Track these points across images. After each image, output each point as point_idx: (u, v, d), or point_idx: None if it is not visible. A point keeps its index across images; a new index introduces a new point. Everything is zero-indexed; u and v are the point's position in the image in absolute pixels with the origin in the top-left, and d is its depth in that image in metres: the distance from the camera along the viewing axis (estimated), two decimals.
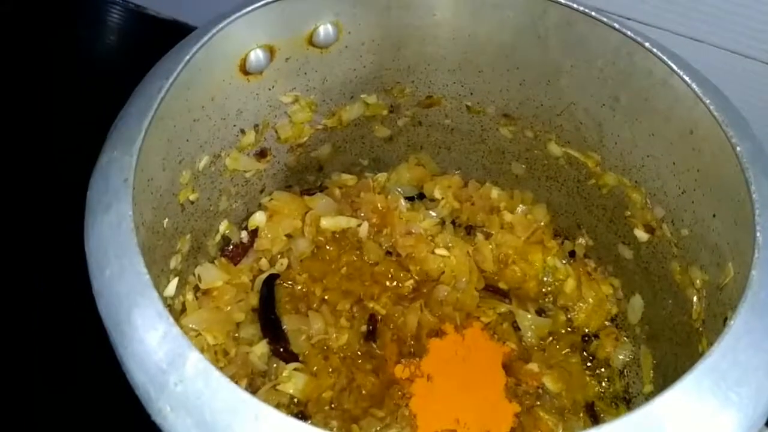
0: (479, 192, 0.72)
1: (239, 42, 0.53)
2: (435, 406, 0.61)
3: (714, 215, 0.49)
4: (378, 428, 0.60)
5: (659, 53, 0.48)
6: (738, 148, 0.42)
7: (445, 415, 0.61)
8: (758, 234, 0.37)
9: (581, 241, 0.69)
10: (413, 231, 0.70)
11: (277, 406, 0.59)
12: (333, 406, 0.61)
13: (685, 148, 0.51)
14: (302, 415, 0.60)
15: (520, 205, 0.71)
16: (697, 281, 0.51)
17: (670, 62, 0.47)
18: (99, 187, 0.40)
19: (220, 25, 0.49)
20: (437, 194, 0.73)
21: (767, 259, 0.36)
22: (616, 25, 0.50)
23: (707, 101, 0.44)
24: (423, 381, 0.63)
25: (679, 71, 0.46)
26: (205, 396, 0.31)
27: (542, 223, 0.71)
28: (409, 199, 0.73)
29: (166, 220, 0.55)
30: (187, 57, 0.46)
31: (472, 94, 0.65)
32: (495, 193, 0.73)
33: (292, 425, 0.31)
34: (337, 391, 0.62)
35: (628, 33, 0.49)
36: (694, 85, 0.45)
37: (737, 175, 0.42)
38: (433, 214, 0.72)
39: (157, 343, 0.33)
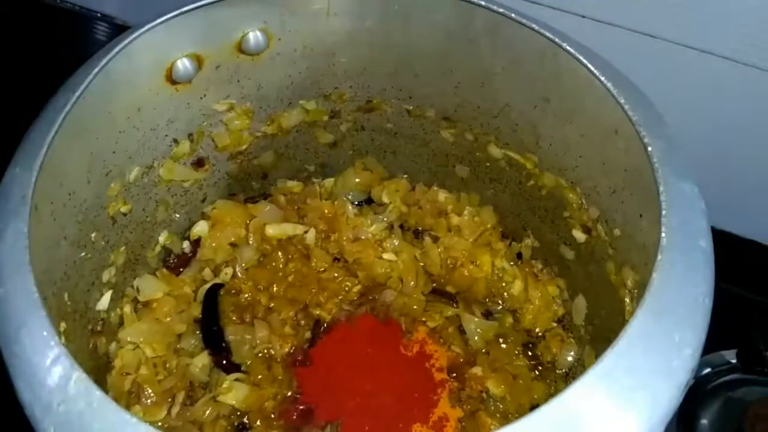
0: (426, 195, 0.72)
1: (161, 51, 0.53)
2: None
3: (641, 215, 0.48)
4: None
5: (578, 55, 0.47)
6: (650, 148, 0.41)
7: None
8: (663, 234, 0.37)
9: (527, 242, 0.69)
10: (361, 236, 0.70)
11: (217, 417, 0.59)
12: (274, 415, 0.60)
13: (612, 148, 0.50)
14: (243, 426, 0.60)
15: (467, 208, 0.71)
16: (629, 281, 0.51)
17: (588, 63, 0.47)
18: (4, 204, 0.39)
19: (135, 35, 0.49)
20: (385, 199, 0.72)
21: (670, 262, 0.36)
22: (537, 27, 0.49)
23: (622, 100, 0.44)
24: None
25: (596, 71, 0.46)
26: (87, 416, 0.31)
27: (489, 225, 0.70)
28: (357, 204, 0.73)
29: (95, 233, 0.54)
30: (96, 69, 0.45)
31: (410, 98, 0.64)
32: (442, 196, 0.72)
33: None
34: (279, 401, 0.61)
35: (549, 35, 0.49)
36: (610, 85, 0.45)
37: (652, 175, 0.42)
38: (381, 218, 0.71)
39: (43, 363, 0.33)
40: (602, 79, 0.46)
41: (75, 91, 0.44)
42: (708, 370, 0.70)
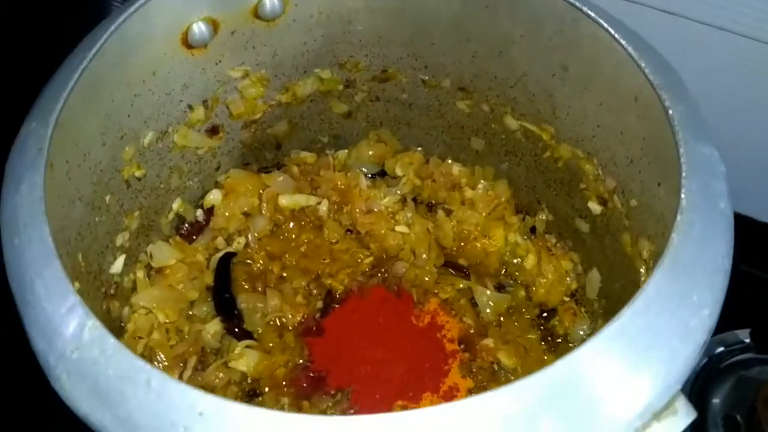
0: (440, 169, 0.72)
1: (178, 14, 0.52)
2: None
3: (659, 184, 0.48)
4: (330, 404, 0.60)
5: (599, 19, 0.47)
6: (670, 111, 0.41)
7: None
8: (683, 197, 0.37)
9: (541, 216, 0.68)
10: (374, 209, 0.70)
11: (228, 383, 0.59)
12: (285, 383, 0.60)
13: (631, 117, 0.50)
14: (254, 393, 0.60)
15: (482, 181, 0.70)
16: (645, 252, 0.51)
17: (609, 27, 0.46)
18: (16, 159, 0.39)
19: None
20: (399, 171, 0.72)
21: (689, 223, 0.36)
22: None
23: (643, 64, 0.43)
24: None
25: (617, 35, 0.45)
26: (100, 363, 0.31)
27: (503, 199, 0.70)
28: (371, 176, 0.72)
29: (109, 196, 0.54)
30: (111, 28, 0.45)
31: (426, 67, 0.64)
32: (456, 169, 0.72)
33: (182, 391, 0.30)
34: (290, 369, 0.61)
35: (572, 1, 0.48)
36: (630, 49, 0.44)
37: (672, 140, 0.41)
38: (395, 191, 0.71)
39: (58, 312, 0.33)
40: (623, 43, 0.45)
41: (91, 49, 0.44)
42: (721, 348, 0.69)
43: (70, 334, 0.32)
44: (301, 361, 0.62)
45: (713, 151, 0.39)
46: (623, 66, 0.47)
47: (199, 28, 0.55)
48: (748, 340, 0.69)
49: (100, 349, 0.31)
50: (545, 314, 0.65)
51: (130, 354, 0.31)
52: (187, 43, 0.55)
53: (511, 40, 0.57)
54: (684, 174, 0.37)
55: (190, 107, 0.60)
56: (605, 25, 0.46)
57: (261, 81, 0.63)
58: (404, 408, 0.59)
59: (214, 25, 0.56)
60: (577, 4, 0.47)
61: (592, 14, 0.47)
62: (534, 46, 0.55)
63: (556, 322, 0.64)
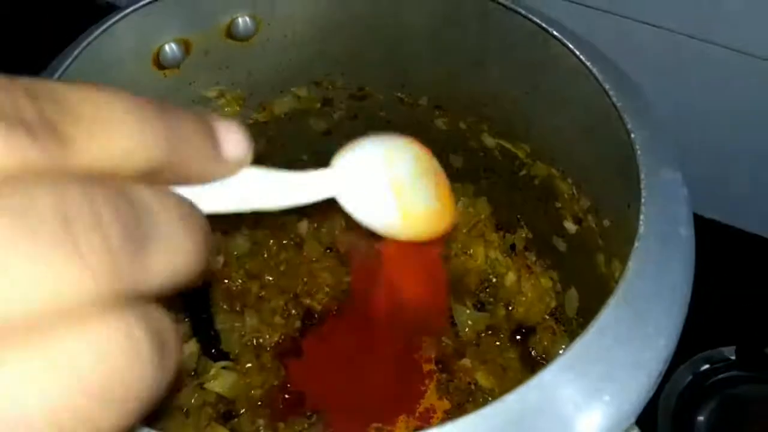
0: None
1: (148, 35, 0.52)
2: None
3: (628, 205, 0.47)
4: (305, 425, 0.59)
5: (566, 41, 0.46)
6: (632, 135, 0.40)
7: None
8: (641, 223, 0.36)
9: (521, 234, 0.68)
10: (353, 227, 0.69)
11: (203, 404, 0.59)
12: (261, 404, 0.60)
13: (603, 137, 0.49)
14: (229, 414, 0.59)
15: (462, 198, 0.70)
16: (617, 273, 0.50)
17: (575, 50, 0.46)
18: None
19: (119, 16, 0.48)
20: None
21: (646, 250, 0.35)
22: (524, 12, 0.48)
23: (608, 86, 0.43)
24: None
25: (583, 58, 0.45)
26: None
27: (483, 216, 0.69)
28: None
29: None
30: (77, 51, 0.45)
31: (403, 86, 0.63)
32: None
33: None
34: (266, 389, 0.61)
35: (537, 21, 0.48)
36: (596, 71, 0.44)
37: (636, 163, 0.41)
38: None
39: None
40: (588, 64, 0.45)
41: (57, 71, 0.43)
42: (706, 366, 0.69)
43: None
44: (277, 382, 0.62)
45: (675, 174, 0.39)
46: (591, 87, 0.47)
47: (171, 49, 0.55)
48: (733, 357, 0.69)
49: None
50: (524, 332, 0.65)
51: None
52: (159, 63, 0.55)
53: (484, 60, 0.56)
54: (643, 199, 0.37)
55: None
56: (571, 46, 0.46)
57: (237, 100, 0.62)
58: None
59: (186, 46, 0.55)
60: (544, 25, 0.47)
61: (559, 36, 0.46)
62: (506, 66, 0.55)
63: (536, 341, 0.64)
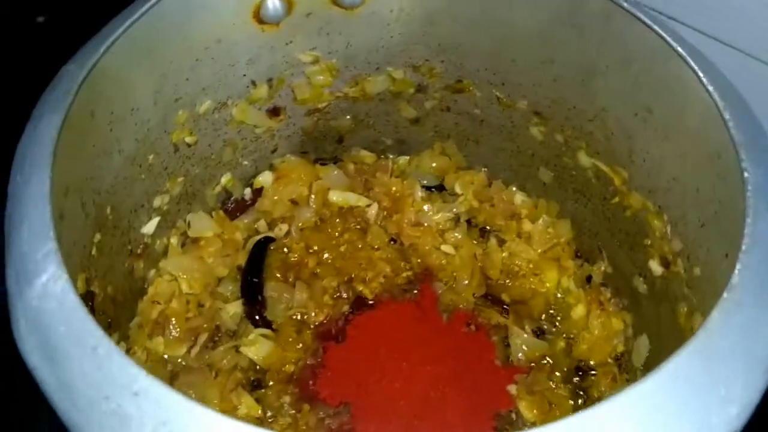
0: (502, 194, 0.67)
1: None
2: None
3: (726, 255, 0.42)
4: (330, 413, 0.57)
5: (690, 60, 0.41)
6: (746, 174, 0.35)
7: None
8: (736, 272, 0.31)
9: (600, 266, 0.63)
10: (423, 222, 0.66)
11: (235, 367, 0.57)
12: (291, 381, 0.58)
13: (710, 174, 0.44)
14: (258, 383, 0.58)
15: (544, 216, 0.65)
16: (696, 327, 0.44)
17: (699, 71, 0.41)
18: (45, 96, 0.39)
19: None
20: (458, 189, 0.68)
21: (738, 303, 0.30)
22: (655, 27, 0.43)
23: (728, 116, 0.38)
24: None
25: (705, 80, 0.40)
26: (55, 317, 0.29)
27: (563, 240, 0.64)
28: (428, 188, 0.69)
29: (153, 156, 0.54)
30: None
31: (503, 84, 0.60)
32: (519, 198, 0.67)
33: (124, 366, 0.28)
34: (299, 367, 0.59)
35: (662, 33, 0.43)
36: (717, 97, 0.39)
37: (743, 206, 0.36)
38: (450, 209, 0.67)
39: (32, 255, 0.32)
40: (710, 89, 0.39)
41: (146, 2, 0.43)
42: None
43: (38, 281, 0.31)
44: (313, 362, 0.60)
45: None
46: (709, 117, 0.42)
47: (274, 4, 0.53)
48: None
49: (59, 302, 0.30)
50: (581, 372, 0.60)
51: (86, 315, 0.29)
52: (259, 17, 0.54)
53: (596, 70, 0.52)
54: (744, 247, 0.32)
55: (254, 83, 0.58)
56: (695, 67, 0.41)
57: (330, 70, 0.61)
58: None
59: (289, 4, 0.54)
60: (669, 39, 0.42)
61: (683, 53, 0.41)
62: (619, 81, 0.51)
63: (592, 383, 0.59)
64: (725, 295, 0.30)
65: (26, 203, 0.33)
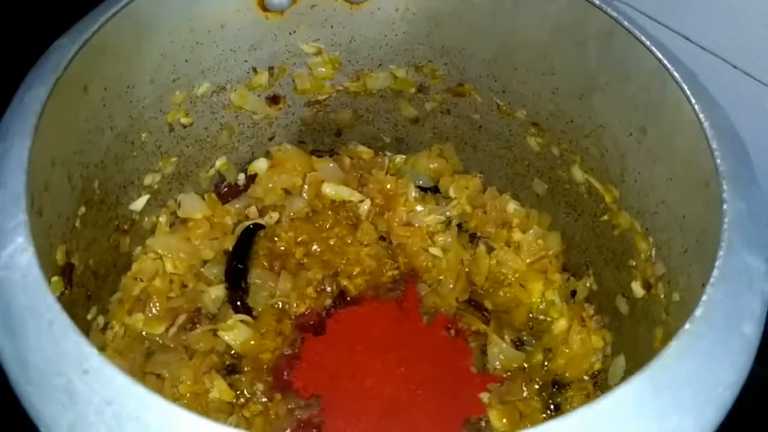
0: (495, 202, 0.67)
1: None
2: None
3: (703, 284, 0.41)
4: (301, 404, 0.57)
5: (684, 86, 0.41)
6: (725, 206, 0.35)
7: None
8: (700, 305, 0.31)
9: (586, 282, 0.62)
10: (414, 223, 0.66)
11: (211, 351, 0.58)
12: (266, 369, 0.58)
13: (697, 202, 0.43)
14: (233, 369, 0.58)
15: (535, 227, 0.65)
16: None
17: (692, 97, 0.40)
18: (35, 68, 0.39)
19: None
20: (452, 192, 0.68)
21: (697, 336, 0.30)
22: (648, 43, 0.43)
23: (714, 145, 0.37)
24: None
25: (697, 107, 0.40)
26: (17, 288, 0.30)
27: (551, 252, 0.64)
28: (423, 189, 0.69)
29: (146, 134, 0.54)
30: None
31: (504, 92, 0.59)
32: (512, 207, 0.67)
33: (77, 343, 0.28)
34: (276, 356, 0.59)
35: (660, 56, 0.43)
36: (707, 125, 0.38)
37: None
38: (442, 211, 0.67)
39: (3, 225, 0.32)
40: (701, 117, 0.39)
41: None
42: None
43: (4, 251, 0.31)
44: (290, 352, 0.60)
45: (761, 264, 0.33)
46: (698, 144, 0.41)
47: None
48: None
49: (22, 274, 0.30)
50: (556, 386, 0.59)
51: (46, 289, 0.30)
52: (264, 5, 0.54)
53: (596, 86, 0.52)
54: (712, 280, 0.32)
55: (255, 70, 0.59)
56: (688, 92, 0.40)
57: (333, 63, 0.61)
58: None
59: None
60: (666, 62, 0.42)
61: (678, 78, 0.41)
62: (617, 98, 0.50)
63: (566, 399, 0.58)
64: (687, 326, 0.30)
65: (4, 174, 0.33)
